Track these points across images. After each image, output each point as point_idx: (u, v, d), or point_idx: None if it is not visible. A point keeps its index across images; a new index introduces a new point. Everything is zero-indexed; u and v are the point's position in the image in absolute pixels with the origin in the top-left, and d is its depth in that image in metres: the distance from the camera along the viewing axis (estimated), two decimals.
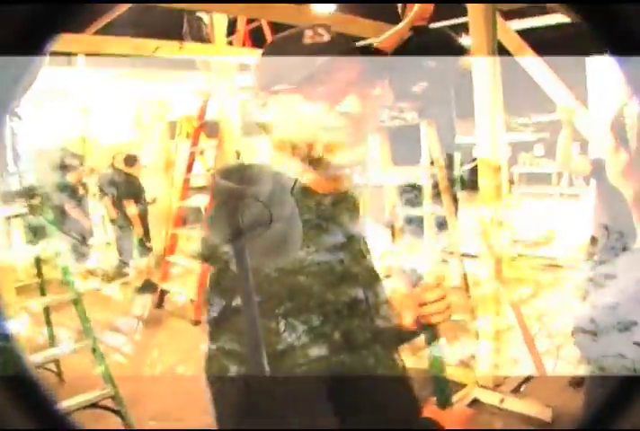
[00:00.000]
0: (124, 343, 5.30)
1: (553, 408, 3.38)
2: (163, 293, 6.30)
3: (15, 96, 1.86)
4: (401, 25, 4.62)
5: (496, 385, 3.66)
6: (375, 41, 4.78)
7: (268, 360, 0.90)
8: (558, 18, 5.38)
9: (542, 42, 4.92)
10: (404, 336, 1.37)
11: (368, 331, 1.19)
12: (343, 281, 1.15)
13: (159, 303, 6.28)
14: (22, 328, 3.48)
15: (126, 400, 3.64)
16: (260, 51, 1.26)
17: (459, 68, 4.44)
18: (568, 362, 3.76)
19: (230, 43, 6.40)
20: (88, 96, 7.83)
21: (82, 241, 7.05)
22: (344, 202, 1.25)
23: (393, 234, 4.41)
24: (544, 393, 3.58)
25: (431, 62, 4.56)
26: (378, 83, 1.19)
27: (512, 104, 6.69)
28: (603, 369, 1.33)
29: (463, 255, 4.61)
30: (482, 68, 3.55)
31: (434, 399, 1.29)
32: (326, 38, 1.14)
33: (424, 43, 4.53)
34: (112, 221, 7.20)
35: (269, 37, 7.21)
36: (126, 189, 7.04)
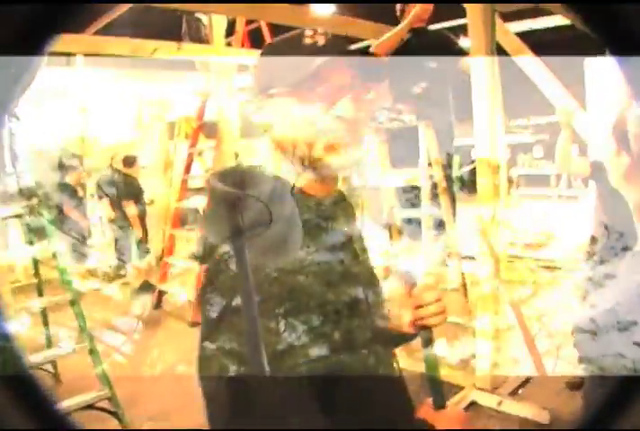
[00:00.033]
0: (124, 343, 5.29)
1: (550, 410, 3.37)
2: (161, 294, 6.30)
3: (15, 96, 1.86)
4: (400, 27, 4.63)
5: (494, 388, 3.66)
6: (374, 43, 4.79)
7: (268, 360, 0.90)
8: (557, 20, 5.38)
9: (541, 44, 4.93)
10: (400, 338, 1.38)
11: (369, 331, 1.20)
12: (343, 281, 1.15)
13: (157, 304, 6.28)
14: (19, 328, 3.48)
15: (124, 400, 3.64)
16: (259, 52, 1.28)
17: (458, 70, 4.45)
18: (568, 362, 3.75)
19: (229, 44, 6.41)
20: (87, 96, 7.82)
21: (81, 241, 7.04)
22: (339, 204, 1.26)
23: (391, 236, 4.41)
24: (541, 396, 3.58)
25: (431, 62, 4.57)
26: (372, 86, 1.20)
27: (511, 106, 6.70)
28: (603, 369, 1.34)
29: (462, 257, 4.60)
30: (480, 68, 3.55)
31: (430, 400, 1.29)
32: (321, 42, 1.15)
33: (423, 45, 4.54)
34: (112, 221, 7.19)
35: (268, 38, 7.23)
36: (125, 189, 7.03)
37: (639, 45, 0.75)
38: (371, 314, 1.23)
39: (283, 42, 1.24)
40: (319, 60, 1.11)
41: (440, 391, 1.30)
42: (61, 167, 6.78)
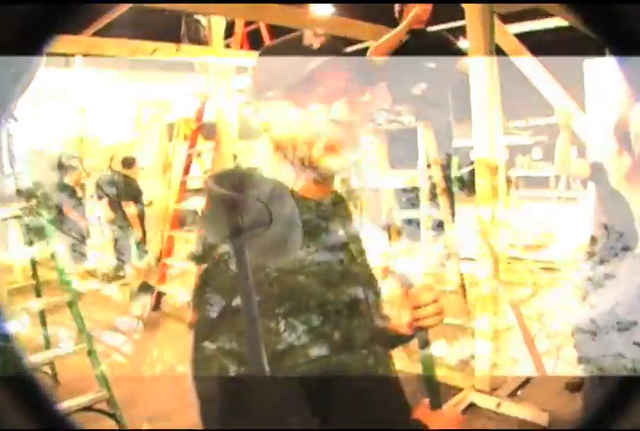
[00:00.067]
0: (124, 343, 5.29)
1: (549, 412, 3.37)
2: (160, 295, 6.29)
3: (13, 97, 1.86)
4: (398, 29, 4.63)
5: (493, 389, 3.65)
6: (373, 44, 4.80)
7: (268, 360, 0.90)
8: (556, 21, 5.38)
9: (540, 45, 4.93)
10: (397, 339, 1.38)
11: (368, 331, 1.20)
12: (343, 281, 1.16)
13: (156, 306, 6.26)
14: (18, 330, 3.47)
15: (123, 401, 3.63)
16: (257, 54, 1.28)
17: (457, 70, 4.46)
18: (568, 362, 3.75)
19: (228, 45, 6.41)
20: (85, 97, 7.83)
21: (81, 241, 7.04)
22: (336, 206, 1.26)
23: (389, 237, 4.41)
24: (540, 397, 3.57)
25: (429, 63, 4.57)
26: (367, 89, 1.21)
27: (510, 108, 6.70)
28: (602, 369, 1.34)
29: (462, 258, 4.60)
30: (479, 68, 3.55)
31: (427, 400, 1.29)
32: (317, 45, 1.16)
33: (422, 46, 4.54)
34: (111, 221, 7.17)
35: (267, 39, 7.23)
36: (124, 190, 7.01)
37: (639, 45, 0.75)
38: (371, 314, 1.23)
39: (279, 45, 1.26)
40: (314, 63, 1.12)
41: (436, 391, 1.30)
42: (60, 168, 6.78)
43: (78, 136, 8.02)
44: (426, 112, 4.44)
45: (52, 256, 3.65)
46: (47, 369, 4.35)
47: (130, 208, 6.96)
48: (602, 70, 4.81)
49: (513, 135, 10.26)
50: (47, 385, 4.29)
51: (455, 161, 4.70)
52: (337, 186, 1.31)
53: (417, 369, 1.33)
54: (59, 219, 6.53)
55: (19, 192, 3.38)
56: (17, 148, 3.23)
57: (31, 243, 3.65)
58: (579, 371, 3.17)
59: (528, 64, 4.49)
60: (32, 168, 3.72)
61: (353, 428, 1.12)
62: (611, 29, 0.76)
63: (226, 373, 1.01)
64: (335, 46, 1.19)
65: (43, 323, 4.33)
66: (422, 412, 1.25)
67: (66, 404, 3.34)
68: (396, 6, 4.86)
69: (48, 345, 4.23)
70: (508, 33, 4.43)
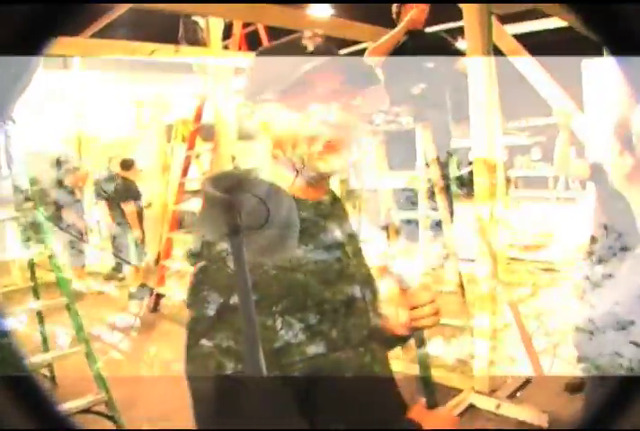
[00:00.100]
0: (121, 340, 5.29)
1: (549, 413, 3.36)
2: (159, 297, 6.28)
3: (11, 98, 1.86)
4: (396, 30, 4.64)
5: (492, 391, 3.65)
6: (370, 46, 4.81)
7: (265, 358, 0.90)
8: (554, 22, 5.39)
9: (539, 46, 4.93)
10: (394, 339, 1.39)
11: (365, 329, 1.21)
12: (341, 279, 1.17)
13: (155, 308, 6.26)
14: (16, 329, 3.47)
15: (122, 403, 3.62)
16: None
17: (455, 71, 4.46)
18: (566, 361, 3.75)
19: (226, 47, 6.41)
20: (84, 98, 7.83)
21: (79, 238, 7.02)
22: (332, 206, 1.27)
23: (388, 237, 4.41)
24: (540, 399, 3.57)
25: (428, 63, 4.57)
26: (359, 92, 1.21)
27: (509, 108, 6.70)
28: (599, 368, 1.34)
29: (460, 259, 4.60)
30: (477, 68, 3.56)
31: (423, 400, 1.30)
32: (310, 48, 1.17)
33: (420, 47, 4.55)
34: (110, 220, 7.15)
35: (265, 41, 7.23)
36: (123, 192, 7.01)
37: (639, 45, 0.75)
38: (368, 313, 1.25)
39: (274, 47, 1.28)
40: (308, 65, 1.12)
41: (432, 391, 1.30)
42: (59, 169, 6.77)
43: (77, 138, 8.02)
44: (424, 113, 4.44)
45: (50, 258, 3.64)
46: (45, 371, 4.34)
47: (129, 208, 6.95)
48: (600, 70, 4.82)
49: (512, 135, 10.26)
50: (45, 387, 4.28)
51: (454, 160, 4.70)
52: (336, 186, 1.32)
53: (416, 370, 1.33)
54: (57, 215, 6.51)
55: (16, 194, 3.38)
56: (15, 150, 3.22)
57: (28, 240, 3.63)
58: (576, 370, 3.18)
59: (527, 64, 4.50)
60: (30, 167, 3.72)
61: (347, 428, 1.13)
62: (611, 29, 0.76)
63: (223, 371, 1.01)
64: (329, 48, 1.20)
65: (41, 324, 4.32)
66: (417, 412, 1.25)
67: (64, 406, 3.33)
68: (394, 7, 4.86)
69: (46, 347, 4.23)
70: (506, 33, 4.43)
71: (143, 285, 6.59)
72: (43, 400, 0.77)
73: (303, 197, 1.19)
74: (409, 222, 4.51)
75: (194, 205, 6.15)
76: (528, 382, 3.76)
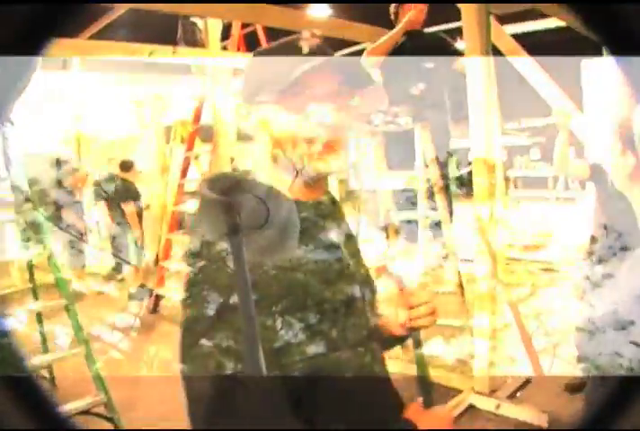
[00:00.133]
0: (121, 340, 5.30)
1: (549, 413, 3.36)
2: (158, 298, 6.28)
3: (10, 99, 1.86)
4: (394, 31, 4.64)
5: (492, 391, 3.65)
6: (369, 46, 4.81)
7: (265, 357, 0.90)
8: (553, 22, 5.39)
9: (538, 46, 4.94)
10: (391, 340, 1.39)
11: (365, 329, 1.22)
12: (341, 279, 1.17)
13: (154, 309, 6.26)
14: (16, 329, 3.46)
15: (121, 404, 3.62)
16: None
17: (454, 71, 4.46)
18: (566, 361, 3.75)
19: (225, 48, 6.41)
20: (83, 99, 7.83)
21: (79, 238, 7.01)
22: (330, 207, 1.28)
23: (387, 237, 4.41)
24: (540, 399, 3.57)
25: (427, 63, 4.57)
26: (356, 93, 1.22)
27: (508, 109, 6.71)
28: (599, 367, 1.35)
29: (460, 260, 4.60)
30: (476, 67, 3.56)
31: (420, 399, 1.30)
32: (306, 49, 1.17)
33: (418, 47, 4.54)
34: (109, 220, 7.14)
35: (263, 41, 7.23)
36: (122, 193, 7.00)
37: (639, 45, 0.75)
38: (368, 312, 1.25)
39: (270, 49, 1.28)
40: (303, 67, 1.13)
41: (428, 390, 1.30)
42: (58, 169, 6.76)
43: (75, 139, 8.02)
44: (423, 113, 4.43)
45: (49, 259, 3.64)
46: (45, 373, 4.34)
47: (129, 208, 6.94)
48: (600, 70, 4.82)
49: (511, 136, 10.26)
50: (45, 388, 4.27)
51: (453, 160, 4.70)
52: (336, 187, 1.33)
53: (414, 370, 1.33)
54: (56, 215, 6.51)
55: (16, 195, 3.37)
56: (13, 151, 3.22)
57: (27, 240, 3.63)
58: (576, 369, 3.18)
59: (526, 64, 4.50)
60: (29, 168, 3.72)
61: (346, 428, 1.13)
62: (611, 29, 0.76)
63: (222, 371, 1.01)
64: (324, 49, 1.20)
65: (41, 325, 4.31)
66: (413, 411, 1.25)
67: (63, 408, 3.33)
68: (391, 8, 4.86)
69: (45, 348, 4.22)
70: (505, 34, 4.43)
71: (142, 286, 6.59)
72: (43, 401, 0.77)
73: (302, 198, 1.20)
74: (408, 222, 4.51)
75: (193, 206, 6.14)
76: (527, 382, 3.76)
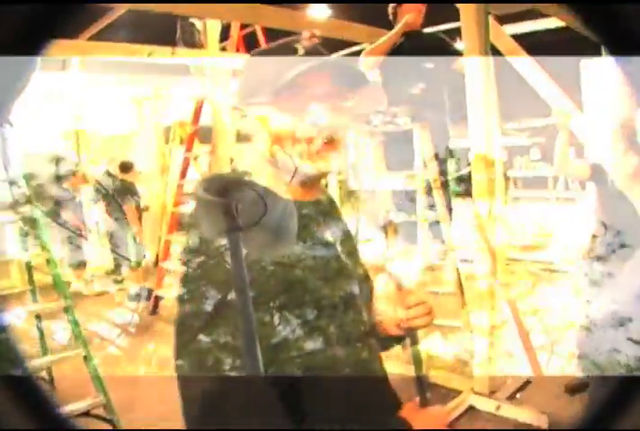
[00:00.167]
0: (119, 336, 5.32)
1: (549, 414, 3.36)
2: (157, 299, 6.27)
3: (8, 100, 1.86)
4: (392, 32, 4.63)
5: (492, 392, 3.65)
6: (368, 47, 4.81)
7: (263, 353, 0.90)
8: (552, 22, 5.39)
9: (538, 46, 4.93)
10: (388, 340, 1.40)
11: (363, 325, 1.23)
12: (339, 275, 1.18)
13: (154, 310, 6.25)
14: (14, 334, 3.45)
15: (120, 406, 3.62)
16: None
17: (453, 71, 4.45)
18: (564, 359, 3.75)
19: (224, 49, 6.41)
20: (82, 100, 7.84)
21: (78, 234, 7.01)
22: (328, 206, 1.29)
23: (386, 235, 4.40)
24: (540, 400, 3.56)
25: (426, 63, 4.57)
26: (350, 93, 1.23)
27: (507, 109, 6.70)
28: (597, 364, 1.35)
29: (459, 260, 4.60)
30: (475, 67, 3.56)
31: (417, 398, 1.30)
32: (301, 51, 1.18)
33: (417, 48, 4.54)
34: (108, 216, 7.13)
35: (263, 42, 7.23)
36: (122, 190, 6.99)
37: (639, 45, 0.75)
38: (366, 309, 1.27)
39: (266, 50, 1.30)
40: (298, 68, 1.13)
41: (424, 389, 1.31)
42: (57, 166, 6.76)
43: (75, 138, 8.02)
44: (422, 113, 4.43)
45: (48, 261, 3.64)
46: (44, 374, 4.33)
47: (128, 204, 6.93)
48: (599, 70, 4.82)
49: (511, 136, 10.26)
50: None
51: (453, 160, 4.69)
52: (335, 187, 1.33)
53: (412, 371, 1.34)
54: (55, 210, 6.50)
55: (14, 195, 3.37)
56: (12, 152, 3.22)
57: (25, 235, 3.62)
58: (574, 367, 3.19)
59: (525, 64, 4.49)
60: (28, 167, 3.72)
61: (337, 428, 1.13)
62: (611, 29, 0.76)
63: (220, 367, 1.02)
64: (319, 51, 1.20)
65: (39, 327, 4.31)
66: (408, 410, 1.25)
67: (63, 410, 3.32)
68: (390, 8, 4.85)
69: (45, 350, 4.22)
70: (504, 34, 4.43)
71: (142, 287, 6.59)
72: (43, 401, 0.77)
73: (300, 197, 1.20)
74: (408, 222, 4.50)
75: (193, 207, 6.12)
76: (527, 383, 3.76)
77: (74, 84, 7.54)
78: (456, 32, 4.38)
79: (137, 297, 6.51)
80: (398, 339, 1.40)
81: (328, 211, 1.27)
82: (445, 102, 4.73)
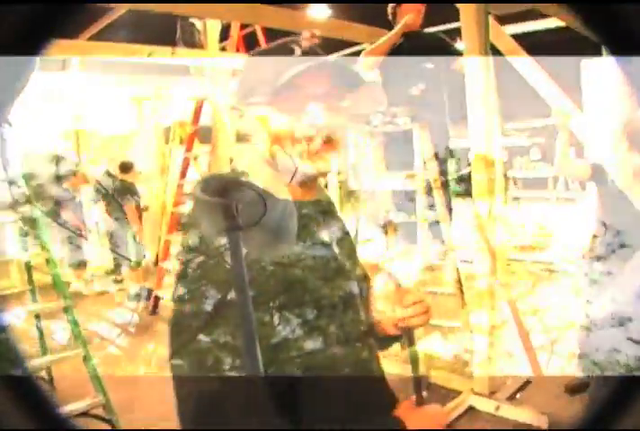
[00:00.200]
0: (119, 335, 5.32)
1: (549, 415, 3.35)
2: (157, 299, 6.27)
3: (8, 100, 1.86)
4: (392, 33, 4.63)
5: (491, 392, 3.64)
6: (367, 48, 4.81)
7: (262, 353, 0.91)
8: (552, 22, 5.39)
9: (538, 46, 4.93)
10: (386, 340, 1.40)
11: (363, 325, 1.23)
12: (339, 275, 1.19)
13: (154, 310, 6.25)
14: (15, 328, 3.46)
15: (119, 406, 3.62)
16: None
17: (453, 71, 4.45)
18: (564, 358, 3.75)
19: (224, 49, 6.40)
20: (81, 100, 7.84)
21: (78, 234, 7.01)
22: (328, 206, 1.29)
23: (386, 233, 4.41)
24: (540, 400, 3.56)
25: (426, 63, 4.57)
26: (347, 94, 1.23)
27: (507, 109, 6.70)
28: (597, 364, 1.35)
29: (460, 261, 4.60)
30: (475, 67, 3.56)
31: (413, 397, 1.30)
32: (298, 52, 1.18)
33: (417, 48, 4.54)
34: (108, 215, 7.13)
35: (262, 42, 7.22)
36: (122, 193, 6.99)
37: (639, 45, 0.75)
38: (365, 309, 1.27)
39: (263, 52, 1.29)
40: (294, 69, 1.14)
41: (420, 388, 1.30)
42: (57, 166, 6.76)
43: (75, 138, 8.03)
44: (422, 113, 4.43)
45: (47, 261, 3.64)
46: (43, 374, 4.33)
47: (128, 204, 6.93)
48: (600, 70, 4.82)
49: (511, 136, 10.25)
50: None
51: (453, 160, 4.69)
52: (335, 187, 1.34)
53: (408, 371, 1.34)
54: (55, 210, 6.50)
55: (13, 197, 3.37)
56: (11, 152, 3.22)
57: (25, 234, 3.62)
58: (574, 366, 3.18)
59: (525, 64, 4.49)
60: (28, 167, 3.72)
61: (336, 428, 1.13)
62: (611, 29, 0.76)
63: (220, 367, 1.01)
64: (316, 51, 1.21)
65: (39, 327, 4.31)
66: (404, 409, 1.25)
67: (62, 410, 3.32)
68: (389, 8, 4.85)
69: (44, 350, 4.22)
70: (504, 34, 4.43)
71: (142, 287, 6.59)
72: (43, 401, 0.77)
73: (300, 197, 1.20)
74: (408, 222, 4.50)
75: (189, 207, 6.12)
76: (527, 383, 3.76)
77: (74, 84, 7.54)
78: (456, 32, 4.38)
79: (137, 297, 6.51)
80: (396, 339, 1.40)
81: (328, 211, 1.27)
82: (445, 102, 4.73)
